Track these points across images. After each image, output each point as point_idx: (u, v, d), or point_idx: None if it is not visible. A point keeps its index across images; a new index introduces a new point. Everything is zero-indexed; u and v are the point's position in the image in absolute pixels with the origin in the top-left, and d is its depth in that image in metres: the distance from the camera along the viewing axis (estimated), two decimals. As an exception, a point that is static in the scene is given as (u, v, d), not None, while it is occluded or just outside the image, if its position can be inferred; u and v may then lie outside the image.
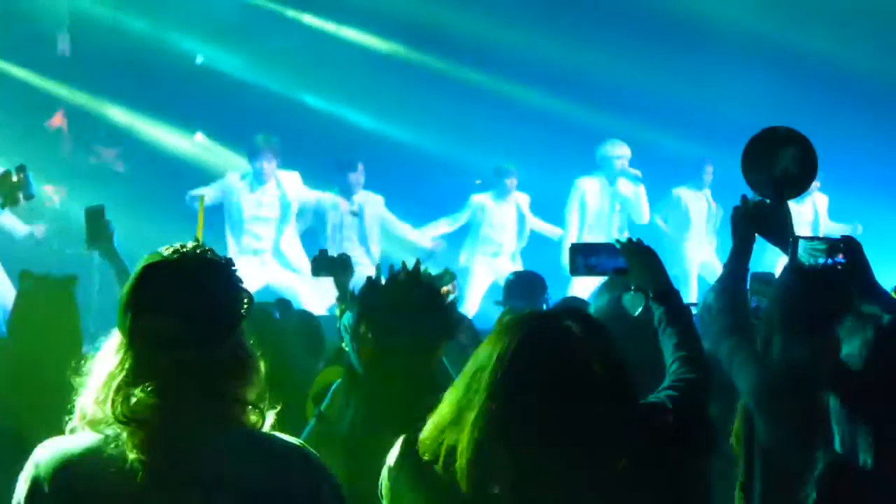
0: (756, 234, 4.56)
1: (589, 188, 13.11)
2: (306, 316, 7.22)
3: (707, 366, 3.67)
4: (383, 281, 4.09)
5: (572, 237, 12.98)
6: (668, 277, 3.98)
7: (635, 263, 4.03)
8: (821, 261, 4.30)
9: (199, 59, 14.12)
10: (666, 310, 3.82)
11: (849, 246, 4.37)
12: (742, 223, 4.55)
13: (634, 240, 4.14)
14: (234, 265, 3.07)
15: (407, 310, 3.93)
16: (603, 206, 13.09)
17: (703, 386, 3.53)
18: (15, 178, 6.02)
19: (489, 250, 13.09)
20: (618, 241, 4.16)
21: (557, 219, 13.40)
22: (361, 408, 3.96)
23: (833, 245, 4.34)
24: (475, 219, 13.11)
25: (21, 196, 6.16)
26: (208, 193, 11.81)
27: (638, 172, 12.97)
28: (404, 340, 3.90)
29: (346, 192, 12.41)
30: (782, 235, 4.51)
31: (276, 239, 12.15)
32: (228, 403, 2.92)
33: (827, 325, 3.76)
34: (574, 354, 2.89)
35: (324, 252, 6.61)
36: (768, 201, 4.61)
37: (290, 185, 12.17)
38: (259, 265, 11.97)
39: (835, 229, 12.74)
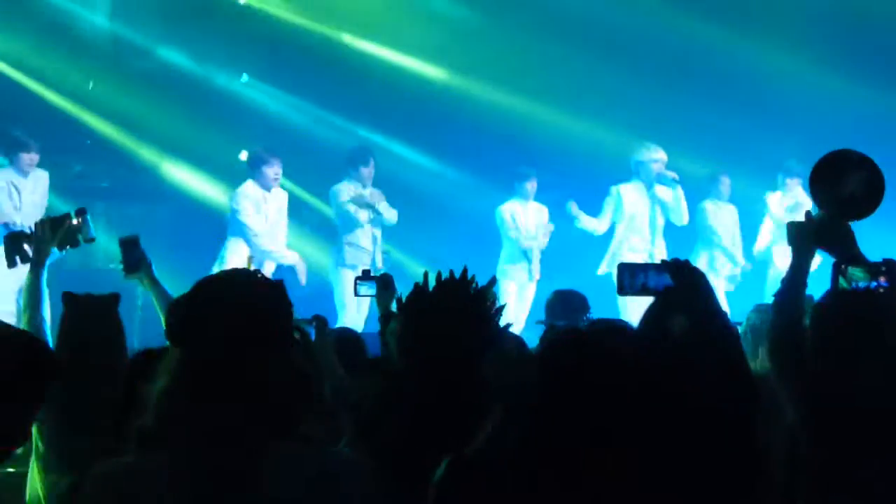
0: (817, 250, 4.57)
1: (627, 194, 13.02)
2: (346, 333, 7.23)
3: (754, 388, 3.67)
4: (431, 287, 4.04)
5: (614, 243, 12.96)
6: (715, 299, 3.96)
7: (682, 284, 4.01)
8: (862, 284, 4.30)
9: (244, 78, 14.27)
10: (711, 332, 3.81)
11: (890, 269, 4.38)
12: (803, 238, 4.53)
13: (682, 260, 4.12)
14: (283, 286, 3.12)
15: (452, 315, 3.90)
16: (642, 211, 12.98)
17: (748, 408, 3.54)
18: (74, 221, 6.13)
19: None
20: (664, 260, 4.15)
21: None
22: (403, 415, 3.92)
23: (874, 268, 4.35)
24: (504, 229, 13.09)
25: (80, 239, 6.26)
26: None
27: (675, 175, 12.89)
28: (448, 346, 3.86)
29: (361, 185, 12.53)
30: (846, 252, 4.51)
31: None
32: (282, 421, 2.95)
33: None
34: (614, 377, 2.92)
35: (367, 272, 6.68)
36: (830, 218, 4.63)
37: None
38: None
39: None
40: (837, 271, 4.37)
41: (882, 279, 4.32)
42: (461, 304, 3.91)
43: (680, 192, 12.93)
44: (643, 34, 14.01)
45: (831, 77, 13.65)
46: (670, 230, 13.09)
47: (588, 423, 2.97)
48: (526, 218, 12.96)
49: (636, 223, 12.96)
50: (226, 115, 13.84)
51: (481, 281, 3.95)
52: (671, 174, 12.88)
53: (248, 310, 3.03)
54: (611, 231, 13.02)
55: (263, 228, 11.88)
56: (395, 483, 3.57)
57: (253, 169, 12.08)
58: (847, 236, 4.57)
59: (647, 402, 3.03)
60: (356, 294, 6.67)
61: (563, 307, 7.87)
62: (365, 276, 6.64)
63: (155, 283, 6.06)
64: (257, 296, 3.08)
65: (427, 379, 3.85)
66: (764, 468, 3.91)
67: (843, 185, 4.68)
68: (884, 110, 13.57)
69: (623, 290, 4.24)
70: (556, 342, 3.30)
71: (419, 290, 4.04)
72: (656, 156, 12.90)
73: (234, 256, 11.77)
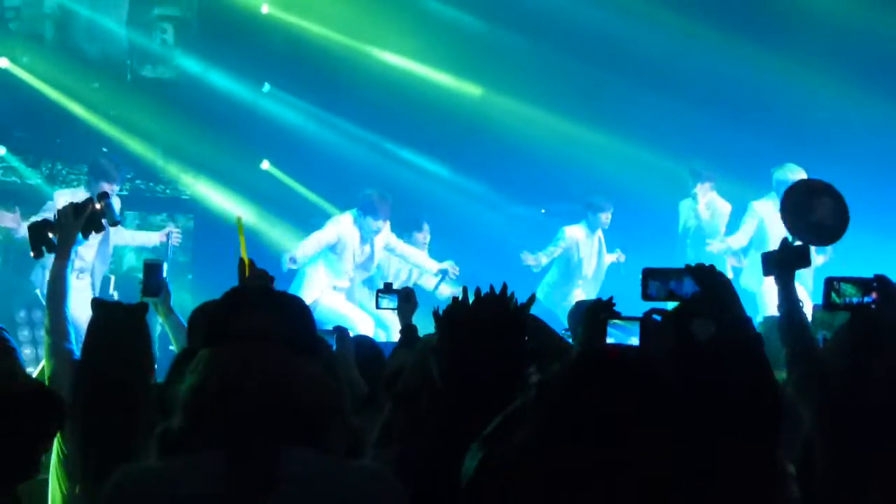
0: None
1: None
2: (364, 340, 7.22)
3: (779, 396, 3.70)
4: (469, 301, 4.04)
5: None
6: (741, 305, 3.96)
7: (707, 290, 4.01)
8: (854, 300, 4.37)
9: (266, 88, 14.32)
10: (739, 338, 3.81)
11: (881, 284, 4.47)
12: (783, 266, 4.67)
13: (707, 265, 4.12)
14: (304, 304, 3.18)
15: (489, 331, 3.90)
16: None
17: (774, 416, 3.58)
18: (98, 206, 6.13)
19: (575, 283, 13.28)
20: (688, 266, 4.14)
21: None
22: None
23: (865, 284, 4.42)
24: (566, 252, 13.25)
25: (106, 223, 6.29)
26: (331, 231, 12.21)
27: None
28: (485, 362, 3.85)
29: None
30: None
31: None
32: (311, 429, 2.97)
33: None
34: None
35: (388, 285, 6.69)
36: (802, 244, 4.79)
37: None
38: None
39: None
40: (830, 287, 4.44)
41: (873, 294, 4.39)
42: (499, 318, 3.92)
43: None
44: (662, 50, 14.07)
45: (823, 83, 13.71)
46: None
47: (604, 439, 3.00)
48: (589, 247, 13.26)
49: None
50: (247, 125, 13.90)
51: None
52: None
53: (278, 316, 3.06)
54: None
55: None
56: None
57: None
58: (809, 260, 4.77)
59: (670, 414, 3.06)
60: (377, 307, 6.68)
61: (580, 317, 7.90)
62: (387, 289, 6.66)
63: (170, 311, 6.10)
64: (286, 304, 3.13)
65: (463, 392, 3.86)
66: (782, 478, 3.96)
67: (812, 213, 4.90)
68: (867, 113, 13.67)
69: (648, 296, 4.26)
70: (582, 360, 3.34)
71: (457, 302, 4.04)
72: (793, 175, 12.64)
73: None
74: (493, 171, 14.32)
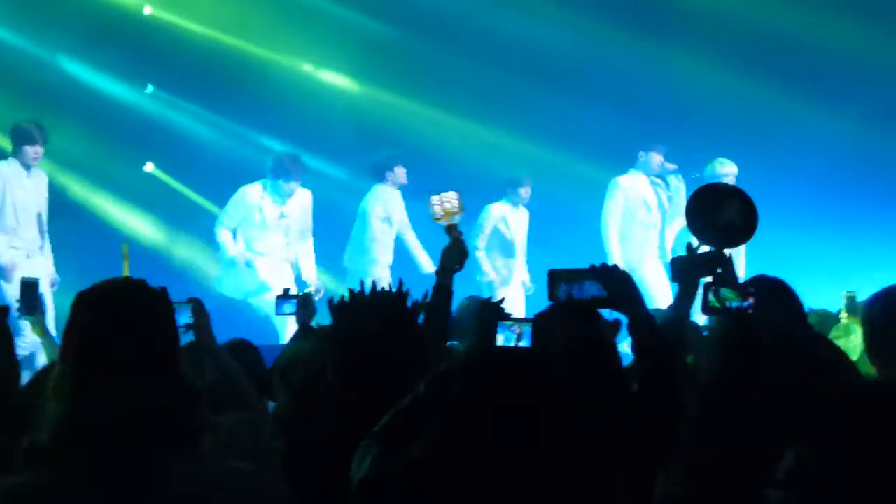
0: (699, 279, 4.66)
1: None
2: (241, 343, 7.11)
3: (681, 395, 3.82)
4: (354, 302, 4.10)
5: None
6: (644, 305, 4.03)
7: (613, 290, 4.07)
8: (734, 304, 4.40)
9: (149, 89, 14.22)
10: (642, 338, 3.91)
11: (759, 288, 4.52)
12: (687, 269, 4.63)
13: (610, 265, 4.18)
14: (167, 295, 3.15)
15: (381, 325, 3.97)
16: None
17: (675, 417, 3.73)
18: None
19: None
20: (592, 266, 4.18)
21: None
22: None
23: (743, 289, 4.47)
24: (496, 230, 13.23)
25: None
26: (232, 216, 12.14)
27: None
28: (376, 355, 3.91)
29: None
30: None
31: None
32: (176, 431, 2.91)
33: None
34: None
35: (287, 290, 6.74)
36: (712, 249, 4.75)
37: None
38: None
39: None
40: (708, 291, 4.43)
41: (750, 299, 4.41)
42: (392, 313, 3.99)
43: None
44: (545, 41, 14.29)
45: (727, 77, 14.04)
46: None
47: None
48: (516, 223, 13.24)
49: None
50: (129, 127, 13.80)
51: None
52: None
53: (128, 322, 3.00)
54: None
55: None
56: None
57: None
58: (727, 265, 4.70)
59: (565, 410, 3.17)
60: (277, 313, 6.68)
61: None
62: (286, 294, 6.69)
63: (45, 332, 6.10)
64: (137, 306, 3.05)
65: (353, 385, 3.90)
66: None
67: (719, 216, 4.83)
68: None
69: (555, 296, 4.25)
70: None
71: (353, 295, 4.09)
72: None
73: None
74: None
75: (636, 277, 4.32)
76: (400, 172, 12.59)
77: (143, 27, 14.12)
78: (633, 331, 3.95)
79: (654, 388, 3.79)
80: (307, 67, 14.67)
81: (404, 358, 3.91)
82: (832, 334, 7.15)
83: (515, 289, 13.14)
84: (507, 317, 4.39)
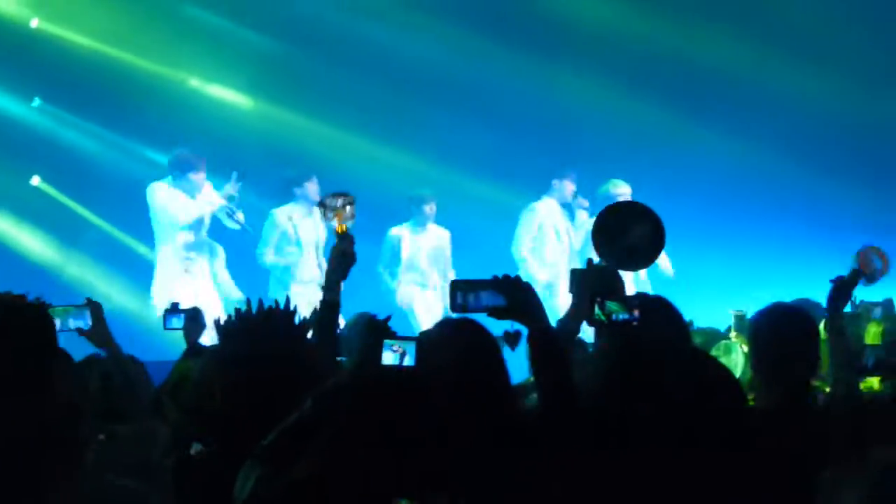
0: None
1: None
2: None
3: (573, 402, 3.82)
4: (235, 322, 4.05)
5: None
6: (545, 317, 4.02)
7: (512, 300, 4.07)
8: (622, 317, 4.45)
9: (36, 102, 14.07)
10: (540, 349, 3.91)
11: (643, 303, 4.55)
12: (586, 286, 4.63)
13: (512, 276, 4.16)
14: (44, 310, 3.11)
15: (269, 342, 3.94)
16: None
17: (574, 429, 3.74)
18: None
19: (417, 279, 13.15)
20: (494, 277, 4.17)
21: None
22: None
23: (628, 303, 4.50)
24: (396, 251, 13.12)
25: None
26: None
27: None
28: (262, 373, 3.86)
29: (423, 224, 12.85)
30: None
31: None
32: (54, 448, 2.91)
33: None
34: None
35: (175, 305, 6.62)
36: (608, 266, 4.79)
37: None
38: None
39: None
40: (594, 304, 4.47)
41: (635, 312, 4.47)
42: (280, 332, 3.95)
43: None
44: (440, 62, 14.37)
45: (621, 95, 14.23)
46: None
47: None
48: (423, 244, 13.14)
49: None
50: (15, 140, 13.61)
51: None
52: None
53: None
54: None
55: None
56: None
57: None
58: (617, 285, 4.76)
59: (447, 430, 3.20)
60: (165, 327, 6.58)
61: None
62: (174, 308, 6.60)
63: None
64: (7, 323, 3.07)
65: (240, 403, 3.85)
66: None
67: (625, 238, 4.88)
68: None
69: (455, 307, 4.24)
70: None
71: (239, 314, 4.04)
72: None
73: None
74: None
75: (552, 301, 4.38)
76: (311, 188, 12.38)
77: (30, 40, 13.94)
78: (531, 341, 3.96)
79: (554, 401, 3.81)
80: (194, 82, 14.59)
81: (292, 377, 3.86)
82: (712, 353, 7.27)
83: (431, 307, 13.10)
84: (393, 335, 4.39)
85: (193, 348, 6.28)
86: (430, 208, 13.04)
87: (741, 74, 14.29)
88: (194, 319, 6.49)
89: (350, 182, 13.23)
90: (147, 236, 12.52)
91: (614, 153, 14.19)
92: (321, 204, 5.42)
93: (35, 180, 13.58)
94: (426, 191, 13.17)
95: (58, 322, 5.42)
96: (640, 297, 4.68)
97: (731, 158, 14.16)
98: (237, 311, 4.08)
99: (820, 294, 7.48)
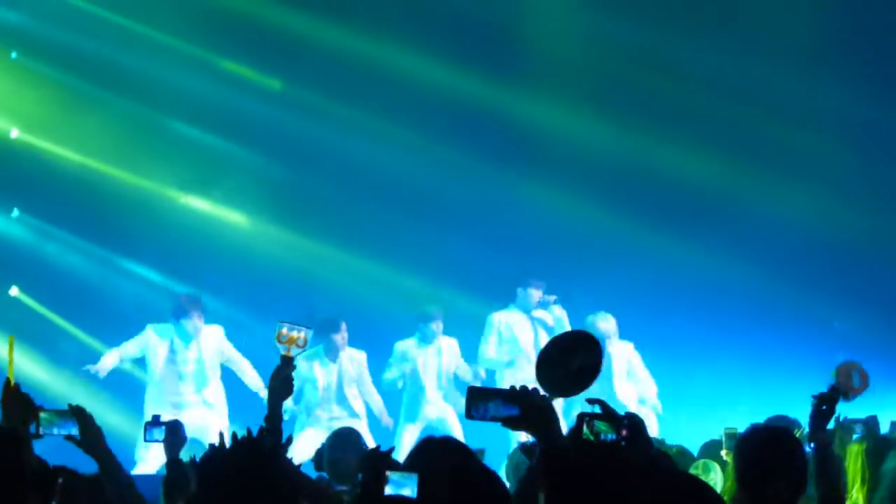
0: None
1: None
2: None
3: None
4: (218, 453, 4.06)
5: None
6: (559, 435, 4.03)
7: (527, 413, 4.07)
8: (611, 437, 4.40)
9: (15, 213, 14.09)
10: (546, 469, 3.91)
11: (631, 422, 4.60)
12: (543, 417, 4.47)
13: (529, 388, 4.17)
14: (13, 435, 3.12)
15: (245, 477, 3.90)
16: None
17: None
18: None
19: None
20: (512, 387, 4.16)
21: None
22: None
23: (618, 421, 4.46)
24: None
25: None
26: (130, 347, 12.05)
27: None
28: None
29: (332, 353, 12.55)
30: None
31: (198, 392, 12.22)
32: None
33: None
34: None
35: (157, 417, 6.58)
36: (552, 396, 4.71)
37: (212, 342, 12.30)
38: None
39: (642, 376, 13.05)
40: (582, 423, 4.41)
41: (623, 432, 4.45)
42: (252, 462, 3.91)
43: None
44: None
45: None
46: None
47: None
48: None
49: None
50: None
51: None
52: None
53: None
54: None
55: None
56: None
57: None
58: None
59: None
60: (146, 440, 6.53)
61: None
62: (155, 421, 6.54)
63: None
64: None
65: None
66: None
67: (574, 359, 4.89)
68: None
69: (470, 415, 4.23)
70: None
71: (215, 450, 4.04)
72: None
73: None
74: (256, 296, 14.30)
75: None
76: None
77: (10, 150, 13.99)
78: (542, 460, 3.96)
79: None
80: (179, 196, 14.60)
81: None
82: (691, 471, 7.25)
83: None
84: (396, 466, 4.37)
85: (174, 465, 6.23)
86: (436, 326, 13.04)
87: (721, 190, 14.39)
88: (174, 432, 6.44)
89: (338, 297, 13.42)
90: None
91: (590, 267, 14.26)
92: (279, 331, 5.60)
93: (13, 291, 13.54)
94: (433, 307, 13.19)
95: (42, 429, 5.47)
96: (629, 417, 4.67)
97: (708, 273, 14.20)
98: (211, 446, 4.08)
99: (803, 409, 7.51)
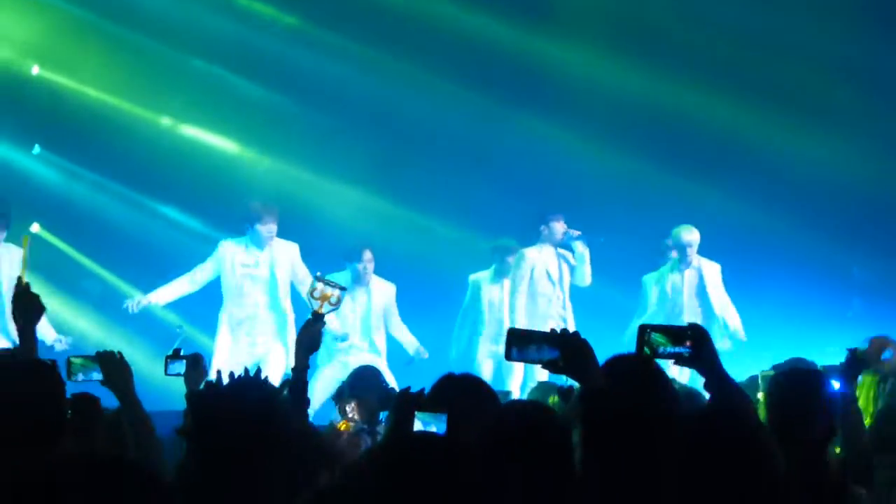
0: None
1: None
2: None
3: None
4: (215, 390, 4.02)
5: None
6: (598, 374, 4.00)
7: (567, 356, 4.05)
8: (670, 349, 4.38)
9: (36, 150, 14.08)
10: (587, 410, 3.88)
11: (695, 333, 4.46)
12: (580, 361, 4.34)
13: (570, 332, 4.15)
14: (54, 370, 3.11)
15: (241, 416, 3.85)
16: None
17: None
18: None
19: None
20: (553, 330, 4.17)
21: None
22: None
23: (679, 333, 4.43)
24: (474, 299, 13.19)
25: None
26: (204, 269, 11.96)
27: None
28: (239, 441, 3.78)
29: (359, 282, 12.48)
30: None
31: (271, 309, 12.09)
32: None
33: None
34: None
35: (177, 350, 6.58)
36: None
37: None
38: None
39: (721, 300, 12.97)
40: (642, 336, 4.40)
41: (687, 344, 4.39)
42: (251, 403, 3.88)
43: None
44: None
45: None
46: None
47: None
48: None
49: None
50: (16, 188, 13.59)
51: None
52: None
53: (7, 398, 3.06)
54: None
55: None
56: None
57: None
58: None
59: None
60: (167, 373, 6.54)
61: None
62: (175, 355, 6.55)
63: None
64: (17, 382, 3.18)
65: (213, 477, 3.78)
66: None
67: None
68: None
69: (510, 356, 4.26)
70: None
71: (211, 386, 4.02)
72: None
73: None
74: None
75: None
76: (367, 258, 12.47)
77: (31, 87, 13.96)
78: (583, 400, 3.94)
79: (595, 463, 3.73)
80: (193, 131, 14.56)
81: (267, 444, 3.80)
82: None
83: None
84: (426, 407, 4.39)
85: (191, 396, 6.23)
86: (512, 259, 13.04)
87: (743, 135, 14.33)
88: (195, 366, 6.45)
89: (342, 231, 13.41)
90: (144, 285, 12.48)
91: (612, 212, 14.21)
92: (314, 286, 5.64)
93: (35, 227, 13.54)
94: (511, 241, 13.20)
95: (80, 375, 5.56)
96: (692, 328, 4.52)
97: (729, 219, 14.14)
98: (207, 382, 4.09)
99: (822, 354, 7.48)
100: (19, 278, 5.59)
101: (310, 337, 5.51)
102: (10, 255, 11.58)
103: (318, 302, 5.71)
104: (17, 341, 5.88)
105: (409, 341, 12.69)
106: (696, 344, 4.40)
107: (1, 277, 11.47)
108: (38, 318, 5.41)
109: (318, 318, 5.65)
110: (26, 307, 5.38)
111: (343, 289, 5.88)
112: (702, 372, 4.40)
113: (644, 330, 4.42)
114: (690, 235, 12.84)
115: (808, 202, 14.34)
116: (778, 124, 14.15)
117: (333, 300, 5.74)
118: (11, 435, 3.14)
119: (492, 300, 13.15)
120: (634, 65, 14.38)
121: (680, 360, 4.43)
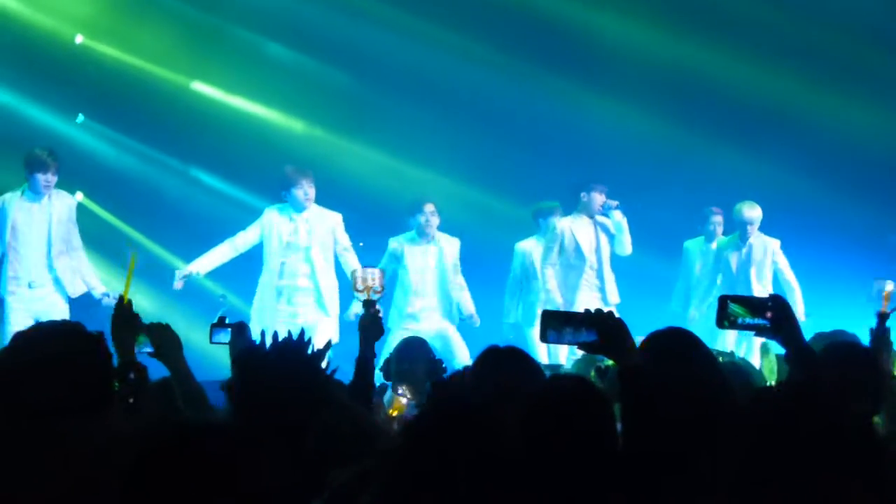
0: None
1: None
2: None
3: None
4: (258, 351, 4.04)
5: None
6: (635, 352, 4.00)
7: (604, 336, 4.05)
8: (749, 320, 4.35)
9: (80, 119, 14.15)
10: (625, 388, 3.87)
11: (776, 304, 4.42)
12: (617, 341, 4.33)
13: (605, 312, 4.16)
14: (102, 340, 3.23)
15: (284, 377, 3.88)
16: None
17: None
18: None
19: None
20: (587, 311, 4.16)
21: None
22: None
23: (760, 304, 4.39)
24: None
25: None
26: (248, 234, 11.99)
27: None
28: (278, 406, 3.82)
29: (424, 237, 12.52)
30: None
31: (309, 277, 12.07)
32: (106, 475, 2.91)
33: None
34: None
35: (223, 318, 6.60)
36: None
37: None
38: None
39: (786, 276, 13.01)
40: (722, 306, 4.37)
41: (768, 315, 4.36)
42: (294, 366, 3.89)
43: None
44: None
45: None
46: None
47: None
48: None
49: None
50: (59, 157, 13.66)
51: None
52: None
53: (55, 365, 3.14)
54: None
55: None
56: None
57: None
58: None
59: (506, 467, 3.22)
60: (212, 341, 6.56)
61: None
62: (220, 322, 6.57)
63: None
64: (65, 351, 3.21)
65: (257, 435, 3.71)
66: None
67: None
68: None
69: (545, 337, 4.25)
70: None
71: (254, 348, 4.05)
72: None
73: None
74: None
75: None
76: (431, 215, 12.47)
77: (75, 56, 14.04)
78: (621, 379, 3.93)
79: (640, 438, 3.74)
80: (240, 102, 14.60)
81: (307, 409, 3.85)
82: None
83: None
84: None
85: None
86: (556, 220, 13.00)
87: (780, 103, 14.28)
88: (240, 333, 6.46)
89: (377, 195, 13.46)
90: (187, 254, 12.55)
91: (648, 179, 14.20)
92: (353, 284, 5.68)
93: (79, 196, 13.62)
94: (554, 202, 13.18)
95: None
96: (773, 299, 4.48)
97: (765, 185, 14.09)
98: (251, 343, 4.09)
99: (857, 321, 7.45)
100: (121, 297, 5.44)
101: (371, 322, 5.51)
102: (62, 200, 11.57)
103: (364, 294, 5.72)
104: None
105: (466, 305, 12.62)
106: (776, 315, 4.37)
107: (51, 222, 11.45)
108: (133, 339, 5.27)
109: (370, 305, 5.66)
110: (122, 326, 5.25)
111: (382, 271, 5.90)
112: (783, 344, 4.39)
113: (724, 300, 4.39)
114: (752, 212, 12.82)
115: (843, 167, 14.32)
116: (818, 91, 14.08)
117: (377, 287, 5.76)
118: (60, 405, 3.19)
119: (534, 264, 13.12)
120: (671, 31, 14.35)
121: (760, 331, 4.41)
